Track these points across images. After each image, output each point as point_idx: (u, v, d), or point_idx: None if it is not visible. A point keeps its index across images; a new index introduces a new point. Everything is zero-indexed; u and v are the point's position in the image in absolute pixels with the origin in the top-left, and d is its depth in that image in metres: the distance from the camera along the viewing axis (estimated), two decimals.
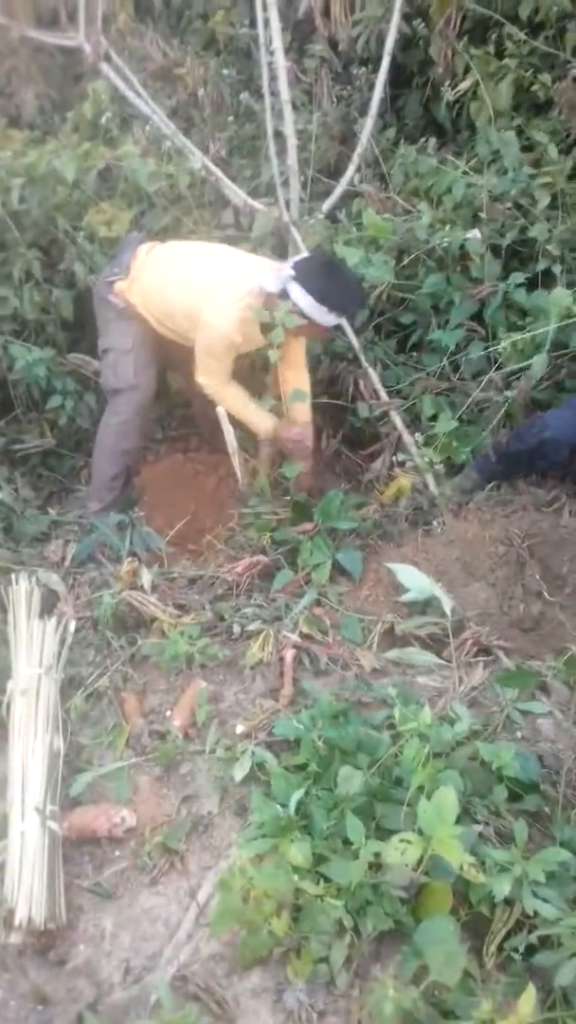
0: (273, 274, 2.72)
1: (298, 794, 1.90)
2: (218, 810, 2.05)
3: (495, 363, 2.97)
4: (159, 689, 2.41)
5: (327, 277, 2.73)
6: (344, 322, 2.92)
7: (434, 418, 3.00)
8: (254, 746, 2.13)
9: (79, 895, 1.88)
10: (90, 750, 2.21)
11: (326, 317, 2.73)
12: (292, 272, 2.70)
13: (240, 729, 2.22)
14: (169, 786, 2.12)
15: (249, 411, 2.91)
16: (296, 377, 3.01)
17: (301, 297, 2.69)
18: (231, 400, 2.91)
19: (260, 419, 2.93)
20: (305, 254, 3.04)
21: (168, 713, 2.31)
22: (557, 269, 2.96)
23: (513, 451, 2.92)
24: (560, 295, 2.71)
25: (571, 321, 2.67)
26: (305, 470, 3.01)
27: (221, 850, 1.96)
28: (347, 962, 1.66)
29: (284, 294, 2.70)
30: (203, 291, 2.77)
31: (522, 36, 3.33)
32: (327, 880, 1.73)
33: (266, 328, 2.75)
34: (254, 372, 2.96)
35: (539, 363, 2.67)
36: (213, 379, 2.86)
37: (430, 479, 3.00)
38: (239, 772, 2.08)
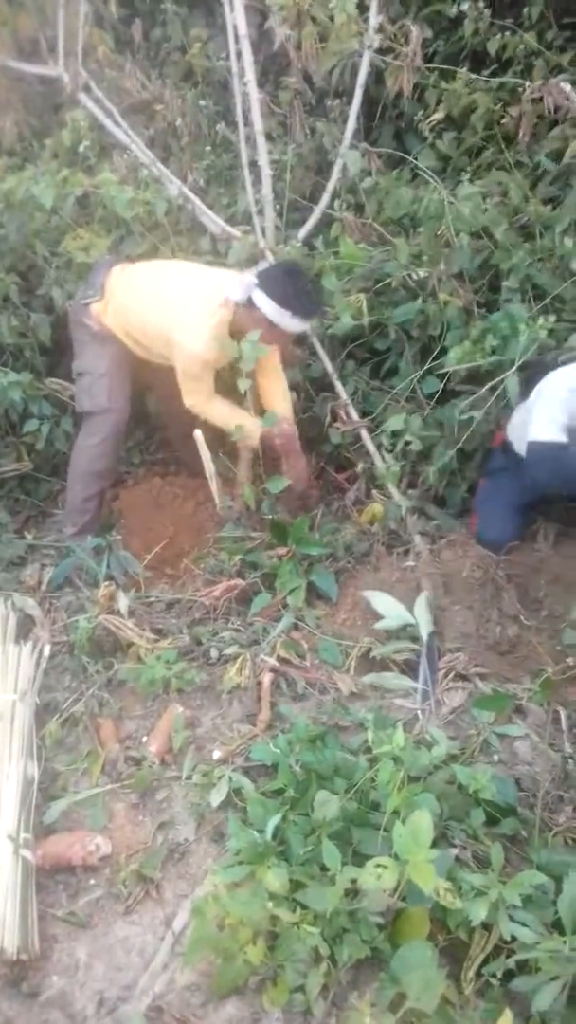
0: (237, 284, 2.76)
1: (275, 820, 1.90)
2: (195, 837, 2.03)
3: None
4: (136, 714, 2.39)
5: (289, 283, 2.76)
6: (308, 326, 2.94)
7: (399, 435, 3.02)
8: (231, 771, 2.13)
9: (53, 924, 1.85)
10: (65, 776, 2.19)
11: (290, 322, 2.77)
12: (255, 280, 2.75)
13: (217, 754, 2.22)
14: (145, 813, 2.11)
15: (235, 419, 2.91)
16: (273, 383, 3.02)
17: (265, 303, 2.72)
18: (217, 414, 2.92)
19: (248, 424, 2.92)
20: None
21: (144, 739, 2.30)
22: (516, 298, 3.01)
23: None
24: (513, 310, 2.78)
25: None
26: (295, 479, 3.00)
27: (197, 878, 1.94)
28: (324, 990, 1.64)
29: (249, 302, 2.74)
30: (172, 309, 2.79)
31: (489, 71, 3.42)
32: (303, 907, 1.71)
33: (238, 338, 2.78)
34: (232, 387, 2.97)
35: (511, 384, 2.71)
36: (197, 398, 2.88)
37: (393, 490, 3.02)
38: (216, 798, 2.07)
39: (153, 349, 2.91)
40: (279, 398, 3.02)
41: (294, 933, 1.67)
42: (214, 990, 1.68)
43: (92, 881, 1.95)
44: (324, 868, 1.75)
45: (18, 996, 1.71)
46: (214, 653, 2.56)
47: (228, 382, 2.90)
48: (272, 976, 1.67)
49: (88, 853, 1.96)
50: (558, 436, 2.52)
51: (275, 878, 1.73)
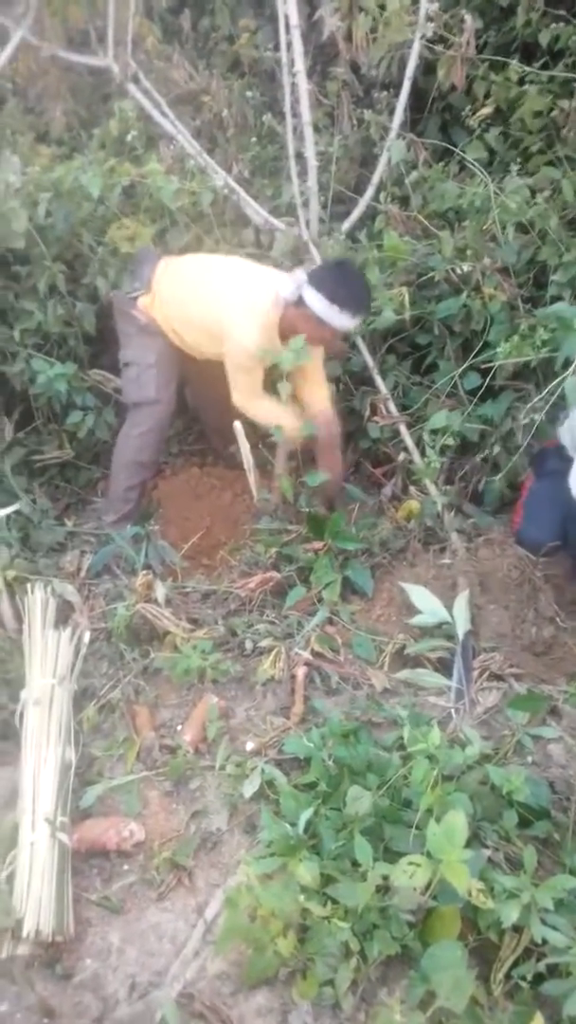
0: (289, 280, 2.75)
1: (307, 813, 1.91)
2: (227, 827, 2.06)
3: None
4: (170, 703, 2.42)
5: (339, 278, 2.75)
6: (357, 323, 2.88)
7: (441, 431, 3.00)
8: (264, 763, 2.14)
9: (87, 908, 1.89)
10: (101, 762, 2.23)
11: (339, 318, 2.74)
12: (306, 277, 2.74)
13: (250, 746, 2.23)
14: (178, 801, 2.13)
15: (282, 418, 2.91)
16: (313, 383, 3.01)
17: (315, 300, 2.71)
18: (263, 413, 2.92)
19: (289, 425, 2.92)
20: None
21: (179, 727, 2.33)
22: (567, 293, 2.97)
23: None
24: (562, 308, 2.73)
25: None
26: (330, 474, 3.00)
27: (229, 867, 1.96)
28: (353, 985, 1.66)
29: (300, 301, 2.73)
30: (221, 306, 2.79)
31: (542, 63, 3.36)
32: (334, 901, 1.72)
33: (285, 338, 2.78)
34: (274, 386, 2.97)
35: (571, 385, 2.64)
36: (245, 394, 2.88)
37: (431, 487, 3.01)
38: (248, 789, 2.09)
39: (198, 344, 2.92)
40: (320, 397, 3.01)
41: (325, 927, 1.68)
42: (244, 980, 1.70)
43: (126, 867, 1.98)
44: (356, 863, 1.76)
45: (52, 977, 1.74)
46: (249, 645, 2.58)
47: (270, 381, 2.90)
48: (302, 969, 1.68)
49: (122, 839, 1.99)
50: None
51: (307, 871, 1.75)
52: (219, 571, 2.95)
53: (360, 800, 1.88)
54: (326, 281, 2.72)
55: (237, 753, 2.22)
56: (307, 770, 2.09)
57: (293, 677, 2.45)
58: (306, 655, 2.51)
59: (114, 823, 2.03)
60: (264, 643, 2.57)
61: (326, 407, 3.02)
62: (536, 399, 2.81)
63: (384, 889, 1.71)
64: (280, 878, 1.77)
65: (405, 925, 1.67)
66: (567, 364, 2.73)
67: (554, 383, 2.70)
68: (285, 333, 2.80)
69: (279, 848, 1.85)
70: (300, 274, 2.77)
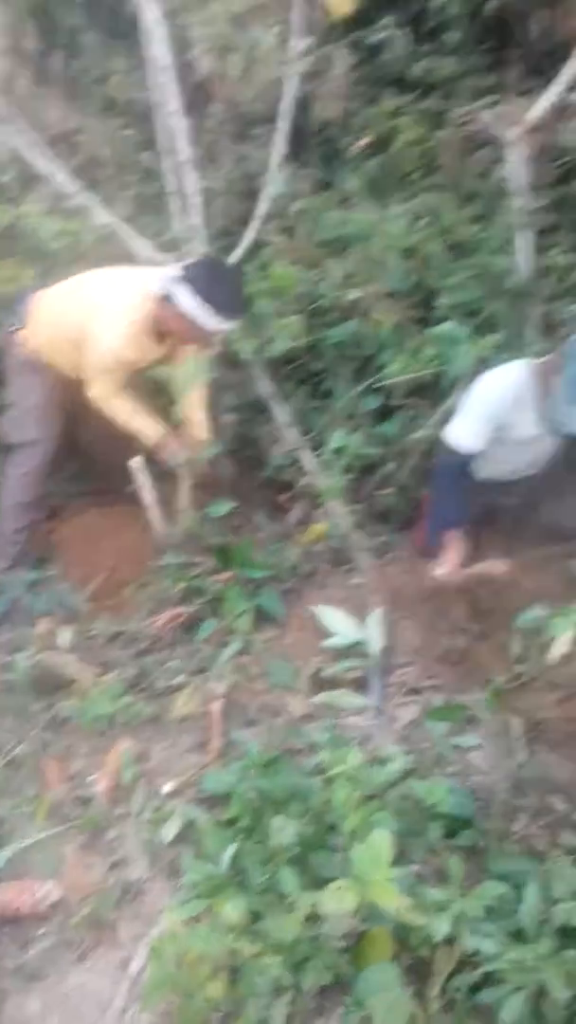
0: (160, 277, 2.67)
1: (230, 850, 1.83)
2: (149, 874, 1.96)
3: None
4: (81, 753, 2.32)
5: (214, 278, 2.65)
6: (231, 327, 2.78)
7: (341, 452, 3.03)
8: (184, 804, 2.07)
9: (2, 978, 1.76)
10: (11, 823, 2.10)
11: (212, 320, 2.62)
12: (179, 273, 2.63)
13: (168, 787, 2.15)
14: (95, 854, 2.03)
15: (136, 421, 2.85)
16: (192, 395, 2.97)
17: (187, 299, 2.59)
18: (120, 413, 2.84)
19: (147, 428, 2.85)
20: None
21: (92, 777, 2.22)
22: (453, 314, 3.07)
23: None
24: (449, 329, 2.82)
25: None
26: (202, 481, 2.96)
27: (153, 917, 1.87)
28: (289, 1021, 1.59)
29: (172, 298, 2.62)
30: (90, 313, 2.74)
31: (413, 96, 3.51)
32: (264, 937, 1.66)
33: (161, 338, 2.74)
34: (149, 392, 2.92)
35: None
36: (102, 391, 2.81)
37: (337, 508, 3.02)
38: (168, 833, 2.01)
39: (76, 364, 2.84)
40: (195, 407, 2.99)
41: (255, 965, 1.61)
42: None
43: (43, 930, 1.86)
44: (283, 895, 1.70)
45: None
46: (161, 683, 2.51)
47: (144, 385, 2.86)
48: (235, 1011, 1.60)
49: (37, 901, 1.87)
50: (471, 446, 2.59)
51: (233, 910, 1.67)
52: (126, 611, 2.87)
53: (284, 830, 1.83)
54: (199, 280, 2.60)
55: (155, 797, 2.13)
56: (228, 806, 2.03)
57: (209, 712, 2.39)
58: (221, 688, 2.46)
59: (27, 886, 1.91)
60: (177, 680, 2.50)
61: (200, 417, 3.02)
62: (431, 416, 2.88)
63: (314, 918, 1.65)
64: (206, 920, 1.70)
65: (337, 952, 1.62)
66: (456, 381, 2.81)
67: (446, 401, 2.78)
68: (157, 332, 2.75)
69: (203, 889, 1.77)
70: (171, 270, 2.69)
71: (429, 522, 2.87)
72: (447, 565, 2.68)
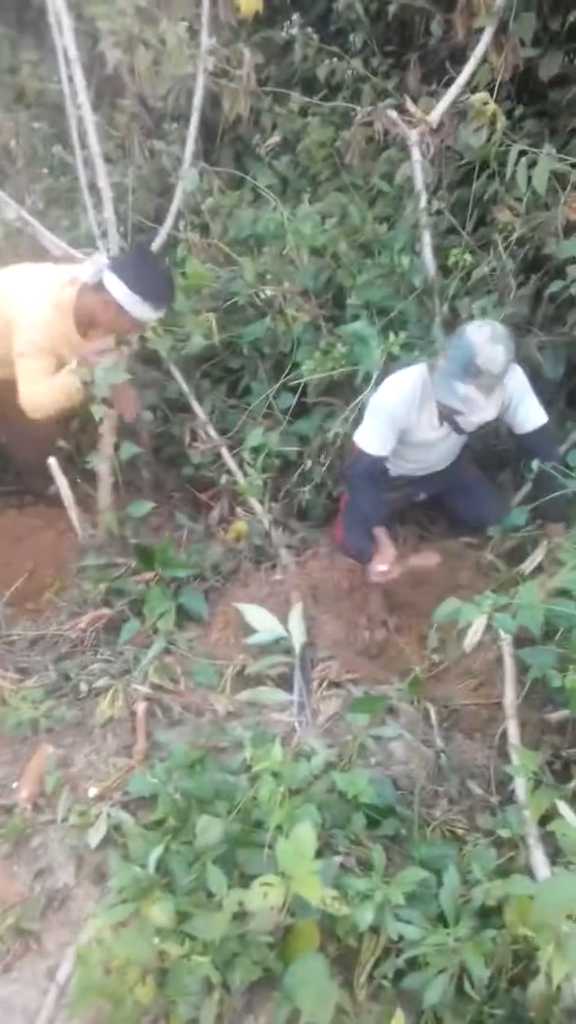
0: (88, 264, 2.68)
1: (157, 852, 1.84)
2: (74, 881, 1.95)
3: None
4: (3, 761, 2.27)
5: (143, 267, 2.70)
6: (159, 315, 2.81)
7: (259, 450, 3.05)
8: (109, 808, 2.06)
9: None
10: None
11: (140, 308, 2.68)
12: (108, 262, 2.67)
13: (93, 792, 2.14)
14: (19, 863, 2.00)
15: (59, 380, 2.71)
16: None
17: (116, 287, 2.64)
18: (47, 391, 2.72)
19: (69, 384, 2.70)
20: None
21: (14, 785, 2.18)
22: (363, 313, 3.12)
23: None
24: (359, 328, 2.87)
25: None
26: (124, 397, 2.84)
27: (80, 923, 1.86)
28: (219, 1020, 1.61)
29: (100, 285, 2.65)
30: (13, 298, 2.70)
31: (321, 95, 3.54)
32: (192, 938, 1.67)
33: (82, 325, 2.70)
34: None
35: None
36: (29, 383, 2.71)
37: (256, 506, 3.05)
38: (94, 837, 1.99)
39: (6, 354, 2.77)
40: None
41: (184, 966, 1.62)
42: None
43: None
44: (211, 894, 1.72)
45: None
46: (84, 687, 2.47)
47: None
48: (165, 1013, 1.62)
49: None
50: (379, 450, 2.64)
51: (160, 912, 1.68)
52: (46, 614, 2.82)
53: (210, 829, 1.84)
54: (128, 268, 2.66)
55: (80, 802, 2.11)
56: (154, 807, 2.03)
57: (133, 714, 2.37)
58: (145, 689, 2.45)
59: None
60: (100, 683, 2.47)
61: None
62: (344, 413, 2.93)
63: (242, 915, 1.68)
64: (134, 924, 1.70)
65: (265, 947, 1.65)
66: (367, 379, 2.86)
67: (358, 398, 2.83)
68: (82, 321, 2.72)
69: (130, 893, 1.77)
70: (100, 257, 2.70)
71: (345, 519, 2.92)
72: (386, 561, 2.71)
